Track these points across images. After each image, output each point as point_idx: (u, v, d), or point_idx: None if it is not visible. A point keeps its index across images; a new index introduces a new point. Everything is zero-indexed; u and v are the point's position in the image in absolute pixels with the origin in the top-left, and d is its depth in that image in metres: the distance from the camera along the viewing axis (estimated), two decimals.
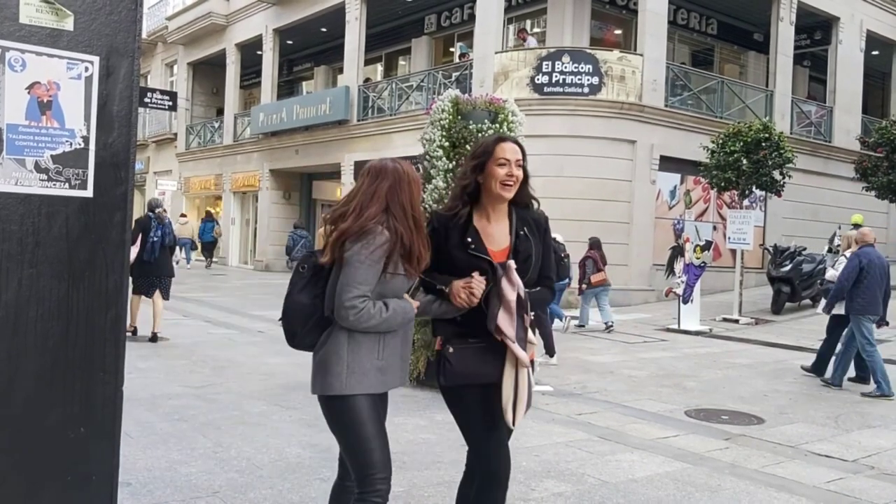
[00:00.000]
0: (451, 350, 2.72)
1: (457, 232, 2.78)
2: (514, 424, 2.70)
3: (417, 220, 2.62)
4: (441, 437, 5.27)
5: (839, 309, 7.86)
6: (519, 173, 2.78)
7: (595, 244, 11.70)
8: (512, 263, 2.67)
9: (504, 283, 2.64)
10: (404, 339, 2.70)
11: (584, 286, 11.56)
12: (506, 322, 2.62)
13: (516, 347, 2.64)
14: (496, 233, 2.80)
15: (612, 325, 11.54)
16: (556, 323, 10.58)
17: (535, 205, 2.95)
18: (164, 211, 9.68)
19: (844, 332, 7.87)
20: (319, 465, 4.55)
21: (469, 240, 2.76)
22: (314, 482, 4.23)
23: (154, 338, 8.96)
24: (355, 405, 2.54)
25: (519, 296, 2.65)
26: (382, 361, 2.58)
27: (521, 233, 2.81)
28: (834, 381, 7.76)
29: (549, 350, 8.49)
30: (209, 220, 23.77)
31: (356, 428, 2.55)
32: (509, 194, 2.78)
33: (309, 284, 2.61)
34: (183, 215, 23.39)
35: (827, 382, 7.81)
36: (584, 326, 11.64)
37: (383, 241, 2.49)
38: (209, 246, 23.52)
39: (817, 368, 8.27)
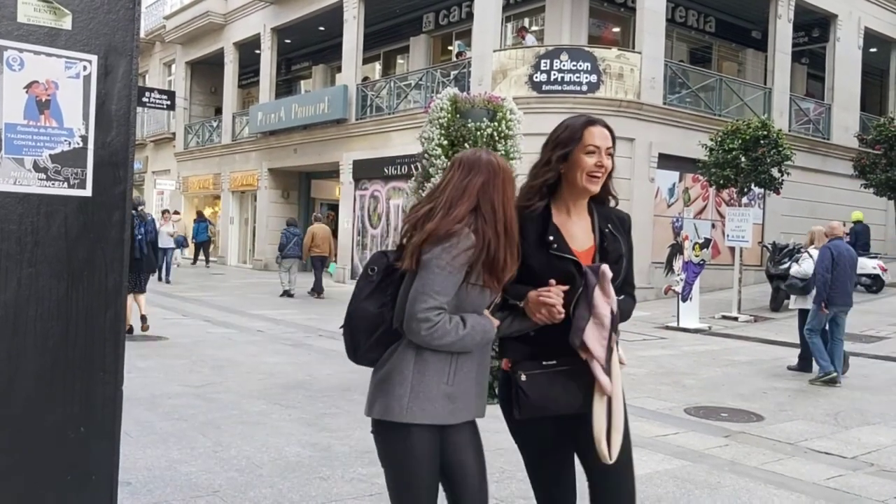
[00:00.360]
0: (523, 377, 2.26)
1: (534, 229, 2.32)
2: (611, 458, 2.25)
3: (508, 224, 2.22)
4: None
5: (806, 303, 8.24)
6: (609, 163, 2.34)
7: None
8: (607, 269, 2.23)
9: (597, 293, 2.21)
10: (480, 362, 2.29)
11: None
12: (595, 339, 2.20)
13: (599, 371, 2.21)
14: (578, 231, 2.37)
15: None
16: None
17: (614, 202, 2.50)
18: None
19: (826, 329, 8.04)
20: (319, 463, 4.55)
21: (550, 238, 2.31)
22: (314, 481, 4.24)
23: (143, 320, 9.28)
24: (413, 437, 2.18)
25: (612, 311, 2.22)
26: (452, 387, 2.20)
27: (606, 230, 2.38)
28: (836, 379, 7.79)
29: None
30: (201, 219, 23.78)
31: (409, 465, 2.21)
32: (596, 187, 2.35)
33: (377, 290, 2.24)
34: (176, 213, 23.46)
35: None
36: None
37: (468, 246, 2.13)
38: (204, 245, 23.55)
39: (802, 367, 8.38)
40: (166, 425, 5.28)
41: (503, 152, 6.90)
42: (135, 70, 2.27)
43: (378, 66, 22.87)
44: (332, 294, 16.13)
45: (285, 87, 25.97)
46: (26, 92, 2.09)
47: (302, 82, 26.29)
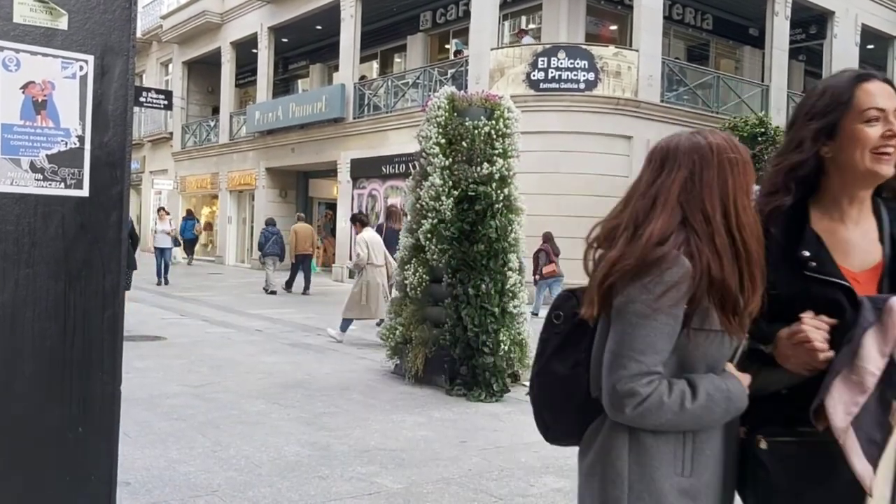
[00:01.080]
0: (763, 445, 1.58)
1: (779, 238, 1.60)
2: None
3: (742, 234, 1.51)
4: (439, 434, 5.28)
5: None
6: None
7: (547, 238, 12.37)
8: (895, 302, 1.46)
9: (868, 338, 1.46)
10: (728, 436, 1.58)
11: (536, 277, 12.37)
12: (840, 402, 1.46)
13: (851, 450, 1.45)
14: (854, 240, 1.61)
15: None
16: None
17: None
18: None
19: None
20: (318, 463, 4.55)
21: (806, 253, 1.57)
22: (313, 480, 4.24)
23: None
24: None
25: (892, 360, 1.46)
26: (690, 479, 1.53)
27: None
28: None
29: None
30: (189, 218, 23.89)
31: None
32: (888, 170, 1.59)
33: (566, 344, 1.65)
34: (167, 213, 23.55)
35: None
36: (536, 315, 11.82)
37: (680, 276, 1.46)
38: (190, 243, 23.78)
39: None
40: (165, 425, 5.27)
41: (500, 151, 6.91)
42: (131, 70, 2.26)
43: (375, 65, 22.86)
44: (330, 293, 16.13)
45: (282, 86, 25.95)
46: (23, 92, 2.09)
47: (299, 81, 26.27)
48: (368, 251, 9.30)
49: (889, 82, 1.64)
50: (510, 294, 6.72)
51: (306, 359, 8.16)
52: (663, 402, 1.46)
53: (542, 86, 14.91)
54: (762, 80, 18.20)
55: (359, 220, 10.30)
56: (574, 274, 13.84)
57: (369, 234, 9.71)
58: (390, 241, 10.53)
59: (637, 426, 1.50)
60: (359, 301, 9.25)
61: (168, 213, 21.94)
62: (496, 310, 6.55)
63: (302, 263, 15.84)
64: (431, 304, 7.00)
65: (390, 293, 9.70)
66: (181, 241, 22.82)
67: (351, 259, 13.60)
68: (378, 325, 9.21)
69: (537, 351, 1.72)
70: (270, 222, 16.71)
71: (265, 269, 16.01)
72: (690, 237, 1.49)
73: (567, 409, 1.64)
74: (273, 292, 15.45)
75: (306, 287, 15.78)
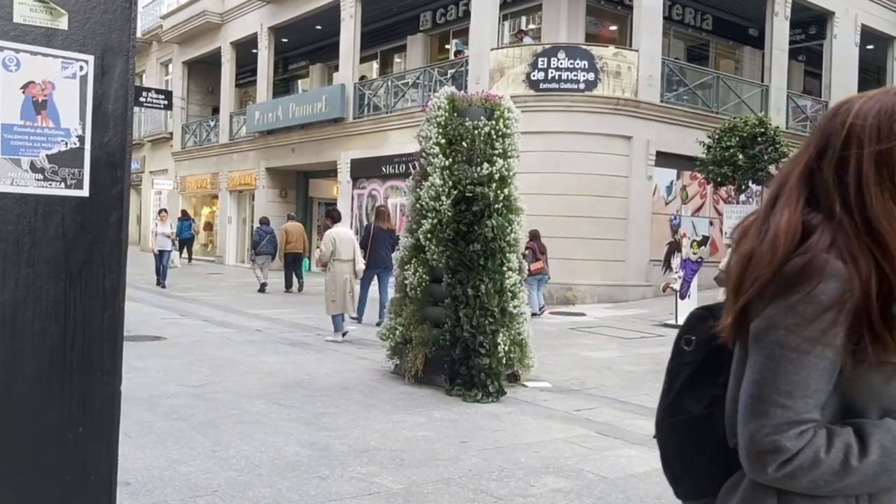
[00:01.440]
0: None
1: None
2: None
3: (886, 237, 1.13)
4: (439, 435, 5.28)
5: None
6: None
7: (534, 236, 12.51)
8: None
9: None
10: None
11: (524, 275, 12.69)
12: None
13: None
14: None
15: (543, 307, 12.93)
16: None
17: None
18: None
19: None
20: (318, 463, 4.55)
21: None
22: (313, 480, 4.24)
23: None
24: None
25: None
26: None
27: None
28: None
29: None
30: (185, 218, 23.95)
31: None
32: None
33: (700, 378, 1.32)
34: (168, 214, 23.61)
35: None
36: (536, 315, 11.88)
37: (839, 293, 1.09)
38: (187, 243, 23.88)
39: None
40: (165, 425, 5.28)
41: (500, 151, 6.91)
42: (131, 70, 2.26)
43: (375, 65, 22.87)
44: None
45: (282, 86, 25.95)
46: (23, 92, 2.09)
47: (299, 81, 26.28)
48: (334, 247, 9.51)
49: None
50: (510, 294, 6.72)
51: (306, 359, 8.16)
52: (819, 461, 1.09)
53: (541, 86, 14.92)
54: (762, 81, 18.21)
55: (330, 216, 10.49)
56: (568, 273, 14.02)
57: (338, 229, 9.89)
58: (379, 241, 10.75)
59: (786, 489, 1.14)
60: (333, 297, 9.44)
61: (167, 214, 21.98)
62: (495, 310, 6.55)
63: (293, 262, 15.93)
64: (431, 304, 7.00)
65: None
66: (176, 243, 22.87)
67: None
68: (351, 319, 9.52)
69: (664, 387, 1.38)
70: (265, 221, 16.80)
71: (253, 268, 16.18)
72: (840, 236, 1.11)
73: (701, 459, 1.30)
74: (264, 283, 15.63)
75: (300, 286, 15.90)
